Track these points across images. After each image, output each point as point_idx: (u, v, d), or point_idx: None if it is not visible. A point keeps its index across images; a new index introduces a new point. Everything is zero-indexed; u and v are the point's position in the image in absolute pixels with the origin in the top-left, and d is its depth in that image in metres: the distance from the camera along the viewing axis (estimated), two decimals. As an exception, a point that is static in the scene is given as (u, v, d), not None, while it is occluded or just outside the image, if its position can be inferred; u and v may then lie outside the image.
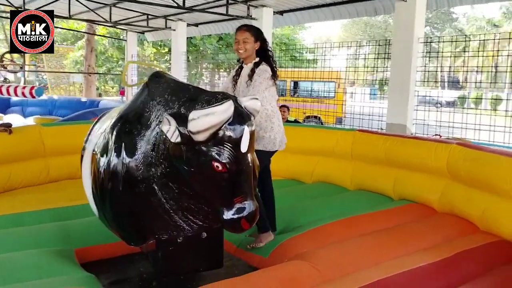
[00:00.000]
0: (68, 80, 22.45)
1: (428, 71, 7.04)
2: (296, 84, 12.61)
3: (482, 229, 3.43)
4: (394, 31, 7.13)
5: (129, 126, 2.35)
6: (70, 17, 11.07)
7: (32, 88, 9.51)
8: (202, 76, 22.51)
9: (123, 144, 2.28)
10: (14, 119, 9.67)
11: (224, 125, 1.99)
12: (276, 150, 3.21)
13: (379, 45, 8.08)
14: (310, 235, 3.27)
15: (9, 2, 10.40)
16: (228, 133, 2.01)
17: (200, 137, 1.98)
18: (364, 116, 7.89)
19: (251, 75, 3.09)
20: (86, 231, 3.22)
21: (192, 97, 2.21)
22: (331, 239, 3.14)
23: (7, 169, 4.34)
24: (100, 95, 21.94)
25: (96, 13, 11.35)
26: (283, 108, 7.19)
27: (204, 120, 1.94)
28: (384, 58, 7.89)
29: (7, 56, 17.17)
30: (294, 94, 12.39)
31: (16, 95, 9.73)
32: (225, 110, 1.97)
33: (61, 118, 9.47)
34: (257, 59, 3.15)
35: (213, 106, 1.98)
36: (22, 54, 15.74)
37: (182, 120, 2.01)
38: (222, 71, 22.34)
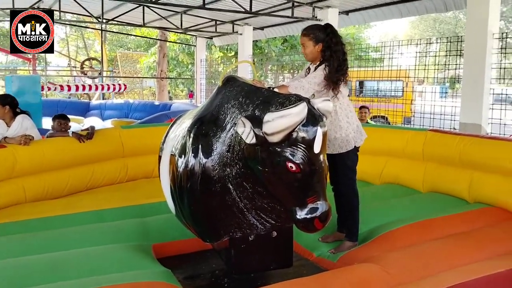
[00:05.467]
0: (141, 84, 23.53)
1: (504, 68, 6.63)
2: (361, 84, 12.37)
3: None
4: (466, 27, 6.81)
5: (206, 128, 2.44)
6: (144, 25, 11.65)
7: None
8: (267, 77, 22.72)
9: (200, 145, 2.37)
10: (93, 122, 10.23)
11: (298, 127, 2.03)
12: (356, 148, 3.16)
13: (450, 41, 7.73)
14: (380, 240, 3.22)
15: (89, 12, 11.14)
16: (302, 134, 2.05)
17: (274, 138, 2.03)
18: (435, 115, 7.59)
19: None
20: (163, 227, 3.37)
21: (266, 100, 2.26)
22: (402, 243, 3.08)
23: (89, 169, 4.64)
24: (170, 98, 22.80)
25: (168, 21, 11.85)
26: (364, 109, 7.06)
27: (279, 122, 1.99)
28: (456, 55, 7.55)
29: (87, 63, 18.41)
30: (359, 94, 12.16)
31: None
32: (299, 112, 2.00)
33: (136, 121, 9.91)
34: (320, 60, 3.08)
35: (288, 108, 2.02)
36: (100, 61, 16.86)
37: (257, 122, 2.07)
38: (286, 73, 22.40)
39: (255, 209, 2.35)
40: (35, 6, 9.89)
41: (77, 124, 9.48)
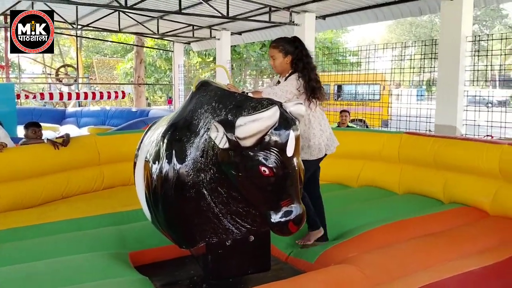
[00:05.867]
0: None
1: (478, 70, 6.80)
2: (339, 87, 12.51)
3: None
4: (440, 31, 6.97)
5: (179, 133, 2.44)
6: (120, 31, 11.54)
7: None
8: (246, 83, 22.79)
9: (173, 151, 2.37)
10: (69, 129, 10.08)
11: (270, 130, 2.04)
12: (325, 155, 3.20)
13: (425, 45, 7.89)
14: (357, 240, 3.25)
15: (63, 18, 10.98)
16: (274, 138, 2.06)
17: (247, 143, 2.04)
18: (411, 118, 7.73)
19: None
20: (140, 235, 3.33)
21: (239, 104, 2.27)
22: (379, 244, 3.10)
23: (65, 177, 4.56)
24: (149, 104, 22.62)
25: (145, 26, 11.78)
26: (344, 113, 7.09)
27: (251, 126, 2.00)
28: (431, 58, 7.71)
29: (62, 70, 18.15)
30: (337, 98, 12.29)
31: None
32: (271, 115, 2.02)
33: (113, 128, 9.80)
34: (290, 71, 3.12)
35: (259, 112, 2.03)
36: (76, 68, 16.62)
37: (229, 126, 2.08)
38: (265, 77, 22.48)
39: (230, 213, 2.35)
40: (7, 12, 9.71)
41: (52, 132, 9.31)
